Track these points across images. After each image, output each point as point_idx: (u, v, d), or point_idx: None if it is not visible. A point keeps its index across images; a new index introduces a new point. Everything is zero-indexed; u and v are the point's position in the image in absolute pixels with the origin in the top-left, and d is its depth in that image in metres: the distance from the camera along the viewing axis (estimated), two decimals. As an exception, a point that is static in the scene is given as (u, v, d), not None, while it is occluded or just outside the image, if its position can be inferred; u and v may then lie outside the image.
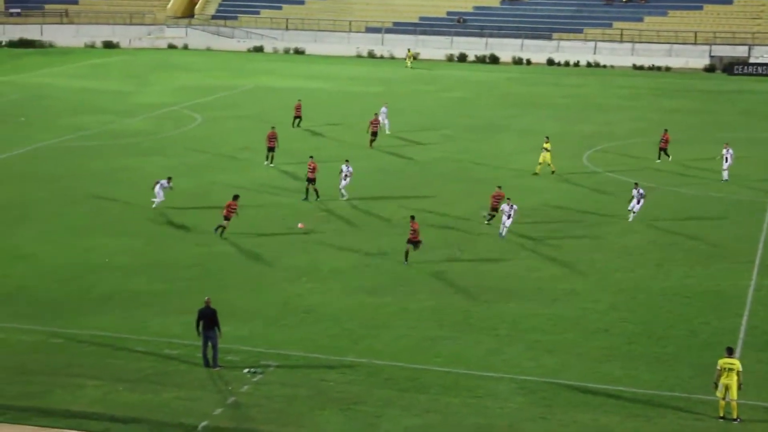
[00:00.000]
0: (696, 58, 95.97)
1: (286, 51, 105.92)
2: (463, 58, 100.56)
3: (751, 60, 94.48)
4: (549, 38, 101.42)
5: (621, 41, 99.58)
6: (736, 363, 25.80)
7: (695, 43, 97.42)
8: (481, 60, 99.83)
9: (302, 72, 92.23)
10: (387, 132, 62.29)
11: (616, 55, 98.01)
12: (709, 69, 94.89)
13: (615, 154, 58.58)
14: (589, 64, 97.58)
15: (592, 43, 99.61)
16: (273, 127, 55.05)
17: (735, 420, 25.51)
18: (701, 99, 79.54)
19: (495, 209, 42.65)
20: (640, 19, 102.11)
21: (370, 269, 37.79)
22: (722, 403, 25.66)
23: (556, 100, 78.12)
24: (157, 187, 45.31)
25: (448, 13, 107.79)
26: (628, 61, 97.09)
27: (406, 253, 38.18)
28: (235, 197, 41.35)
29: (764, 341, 31.29)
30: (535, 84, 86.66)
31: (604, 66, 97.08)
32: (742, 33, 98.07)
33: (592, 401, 26.99)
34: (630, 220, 43.79)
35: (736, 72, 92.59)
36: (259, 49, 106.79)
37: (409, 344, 30.72)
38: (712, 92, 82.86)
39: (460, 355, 29.89)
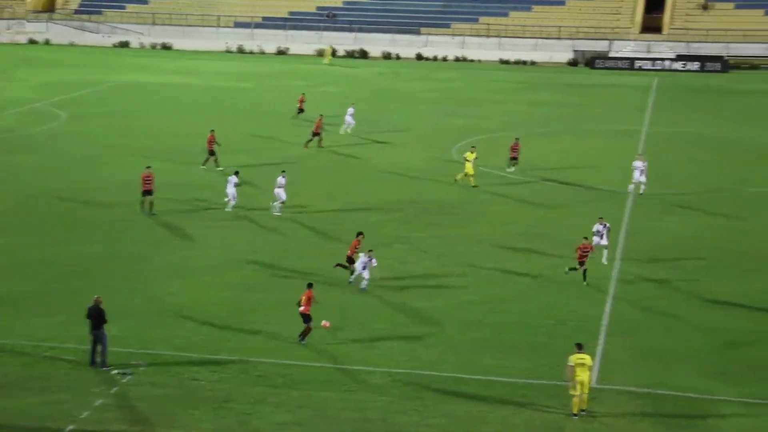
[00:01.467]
0: (560, 53, 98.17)
1: (153, 46, 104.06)
2: (333, 53, 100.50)
3: (611, 54, 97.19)
4: (417, 33, 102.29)
5: (488, 36, 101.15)
6: (587, 358, 26.12)
7: (559, 38, 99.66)
8: (350, 55, 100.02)
9: (170, 67, 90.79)
10: (348, 132, 61.51)
11: (484, 49, 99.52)
12: (573, 63, 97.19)
13: (485, 147, 59.46)
14: (457, 59, 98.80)
15: (459, 38, 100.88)
16: (212, 131, 53.09)
17: (582, 411, 25.85)
18: (566, 92, 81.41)
19: (581, 262, 36.27)
20: (506, 14, 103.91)
21: (244, 266, 37.47)
22: (576, 400, 25.87)
23: (427, 95, 78.85)
24: (230, 186, 43.94)
25: (318, 8, 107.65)
26: (495, 55, 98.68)
27: (346, 267, 36.20)
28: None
29: (627, 327, 32.18)
30: (406, 79, 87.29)
31: (472, 60, 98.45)
32: (603, 28, 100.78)
33: (465, 392, 27.31)
34: (603, 261, 38.18)
35: (597, 66, 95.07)
36: (125, 44, 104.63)
37: (283, 340, 30.57)
38: (576, 85, 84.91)
39: (334, 350, 29.86)
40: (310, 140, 57.81)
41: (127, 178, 48.85)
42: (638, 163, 48.40)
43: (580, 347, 26.41)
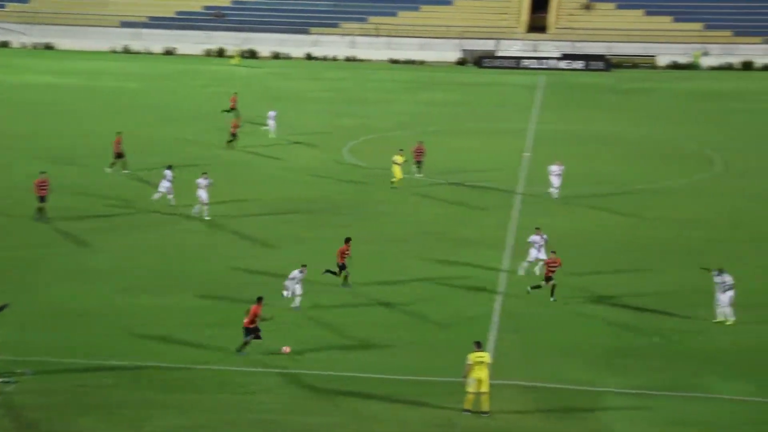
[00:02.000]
0: (448, 52, 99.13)
1: (35, 46, 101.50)
2: (221, 53, 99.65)
3: (499, 53, 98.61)
4: (307, 33, 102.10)
5: (377, 36, 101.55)
6: (485, 356, 26.36)
7: (447, 38, 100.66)
8: (239, 55, 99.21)
9: (55, 68, 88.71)
10: (272, 135, 60.81)
11: (373, 49, 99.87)
12: (461, 62, 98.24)
13: (376, 146, 59.74)
14: (347, 59, 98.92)
15: (349, 38, 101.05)
16: (119, 133, 52.05)
17: (485, 413, 26.01)
18: (455, 91, 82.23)
19: (548, 278, 34.53)
20: (394, 14, 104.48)
21: (137, 269, 36.94)
22: (471, 397, 26.07)
23: (318, 95, 78.75)
24: (165, 181, 44.54)
25: (205, 8, 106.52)
26: (384, 55, 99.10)
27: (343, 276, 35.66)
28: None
29: (516, 324, 32.63)
30: (296, 78, 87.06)
31: (362, 60, 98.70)
32: (490, 27, 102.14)
33: (360, 391, 27.37)
34: (533, 270, 36.59)
35: (485, 65, 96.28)
36: (4, 44, 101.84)
37: (176, 344, 30.18)
38: (464, 84, 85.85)
39: (229, 352, 29.60)
40: (232, 140, 57.73)
41: (15, 182, 47.67)
42: (554, 168, 48.02)
43: (478, 345, 26.68)
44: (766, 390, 27.81)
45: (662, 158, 58.11)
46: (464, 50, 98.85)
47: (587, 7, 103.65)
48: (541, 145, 60.87)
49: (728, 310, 32.02)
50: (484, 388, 26.04)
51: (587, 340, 31.48)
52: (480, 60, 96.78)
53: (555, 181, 47.75)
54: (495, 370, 28.05)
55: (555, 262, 34.66)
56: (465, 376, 26.21)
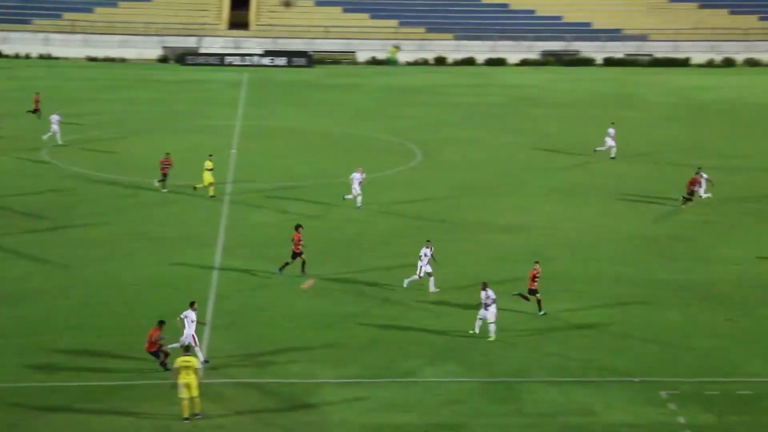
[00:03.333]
0: (149, 49, 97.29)
1: None
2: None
3: (201, 50, 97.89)
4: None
5: (73, 32, 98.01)
6: (192, 360, 26.07)
7: (147, 35, 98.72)
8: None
9: None
10: (59, 140, 57.36)
11: (69, 46, 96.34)
12: (163, 59, 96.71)
13: (76, 147, 57.75)
14: (41, 56, 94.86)
15: (42, 35, 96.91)
16: None
17: (197, 415, 25.84)
18: (157, 89, 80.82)
19: (533, 290, 33.03)
20: (91, 10, 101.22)
21: None
22: (185, 403, 25.75)
23: (12, 95, 75.11)
24: None
25: None
26: (81, 52, 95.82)
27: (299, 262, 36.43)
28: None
29: (229, 321, 32.57)
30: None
31: (57, 58, 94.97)
32: (192, 24, 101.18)
33: (72, 401, 26.46)
34: (432, 289, 35.32)
35: (188, 62, 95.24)
36: None
37: None
38: (167, 82, 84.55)
39: None
40: None
41: None
42: (357, 175, 47.09)
43: (186, 349, 26.43)
44: (468, 370, 29.31)
45: (365, 151, 59.58)
46: (166, 47, 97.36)
47: (287, 4, 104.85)
48: (247, 141, 61.00)
49: (492, 327, 31.66)
50: (194, 393, 25.77)
51: (303, 334, 31.84)
52: (183, 57, 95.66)
53: (358, 187, 47.00)
54: (211, 371, 27.89)
55: (537, 273, 33.11)
56: (174, 382, 25.85)
